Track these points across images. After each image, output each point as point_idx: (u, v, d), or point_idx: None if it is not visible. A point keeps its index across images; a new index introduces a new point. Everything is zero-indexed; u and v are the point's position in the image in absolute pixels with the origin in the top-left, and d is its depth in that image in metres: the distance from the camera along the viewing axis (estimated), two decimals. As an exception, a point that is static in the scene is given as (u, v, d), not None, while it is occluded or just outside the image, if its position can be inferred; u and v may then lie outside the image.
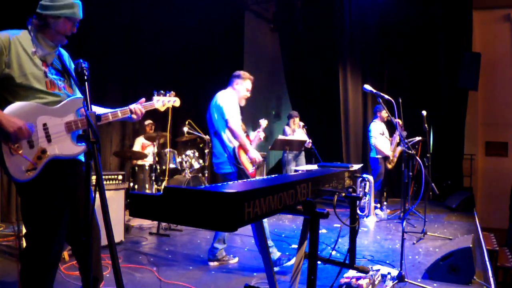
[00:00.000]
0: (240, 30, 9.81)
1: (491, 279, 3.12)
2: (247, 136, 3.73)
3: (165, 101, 2.51)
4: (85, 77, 1.73)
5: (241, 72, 3.68)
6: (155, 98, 2.50)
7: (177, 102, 2.60)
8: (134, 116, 2.23)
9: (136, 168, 5.92)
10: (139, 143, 6.51)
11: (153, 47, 7.15)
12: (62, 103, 1.99)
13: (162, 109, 2.51)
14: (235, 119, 3.40)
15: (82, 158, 2.08)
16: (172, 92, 2.59)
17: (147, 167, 5.80)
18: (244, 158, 3.39)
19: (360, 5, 8.26)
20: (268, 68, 11.21)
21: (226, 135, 3.43)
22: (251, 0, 9.97)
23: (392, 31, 8.22)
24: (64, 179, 2.00)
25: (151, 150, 6.02)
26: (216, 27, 8.60)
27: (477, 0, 7.89)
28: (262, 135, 4.06)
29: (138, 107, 2.24)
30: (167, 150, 5.80)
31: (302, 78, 8.93)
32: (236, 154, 3.38)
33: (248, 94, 3.69)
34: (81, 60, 1.80)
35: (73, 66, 2.17)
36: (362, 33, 8.29)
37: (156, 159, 5.47)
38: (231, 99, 3.50)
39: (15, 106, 1.86)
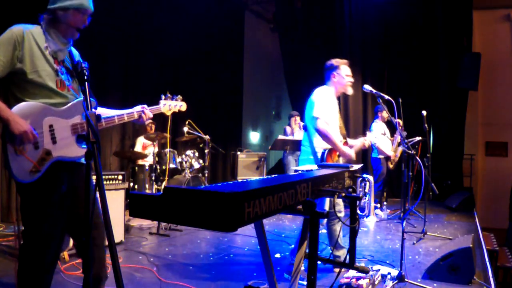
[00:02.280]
0: (240, 30, 9.81)
1: (491, 279, 3.12)
2: (345, 143, 3.40)
3: (171, 106, 2.50)
4: (85, 77, 1.73)
5: (333, 61, 3.34)
6: (162, 102, 2.48)
7: (183, 106, 2.58)
8: (140, 120, 2.23)
9: (136, 168, 5.92)
10: (140, 143, 6.51)
11: (153, 48, 7.16)
12: (69, 104, 1.98)
13: (168, 113, 2.50)
14: (323, 120, 3.14)
15: (83, 160, 2.08)
16: (179, 96, 2.56)
17: (147, 167, 5.80)
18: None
19: (360, 5, 8.27)
20: (268, 68, 11.22)
21: (316, 137, 3.23)
22: (251, 0, 9.97)
23: (392, 31, 8.23)
24: (66, 179, 2.00)
25: (151, 150, 6.02)
26: (216, 27, 8.61)
27: (477, 0, 7.89)
28: (367, 143, 3.61)
29: (145, 112, 2.24)
30: (167, 150, 5.80)
31: (302, 78, 8.93)
32: (325, 159, 3.18)
33: (351, 79, 3.34)
34: (81, 60, 1.81)
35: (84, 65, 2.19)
36: (362, 33, 8.30)
37: (156, 159, 5.47)
38: (325, 97, 3.23)
39: (23, 105, 1.86)
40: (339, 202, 3.22)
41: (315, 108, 3.17)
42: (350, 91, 3.38)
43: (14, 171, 1.81)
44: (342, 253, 3.31)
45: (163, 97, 2.51)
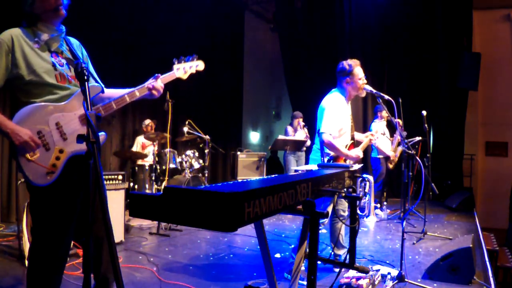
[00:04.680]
0: (240, 30, 9.81)
1: (491, 279, 3.12)
2: (352, 145, 3.37)
3: (186, 68, 2.27)
4: (85, 77, 1.72)
5: (345, 64, 3.24)
6: (175, 66, 2.26)
7: (200, 65, 2.35)
8: (154, 92, 2.11)
9: (136, 168, 5.92)
10: (139, 143, 6.51)
11: (153, 47, 7.15)
12: (73, 96, 1.95)
13: (185, 77, 2.28)
14: (329, 134, 3.12)
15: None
16: (194, 55, 2.33)
17: (147, 167, 5.80)
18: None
19: (360, 5, 8.26)
20: (268, 68, 11.22)
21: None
22: (251, 0, 9.98)
23: (392, 31, 8.22)
24: (79, 175, 1.96)
25: (151, 150, 6.02)
26: (216, 27, 8.60)
27: (477, 0, 7.89)
28: (374, 138, 3.57)
29: (156, 84, 2.10)
30: (167, 150, 5.80)
31: (302, 78, 8.93)
32: (332, 162, 3.20)
33: (365, 81, 3.27)
34: (81, 60, 1.80)
35: (85, 53, 2.15)
36: (362, 33, 8.29)
37: (156, 159, 5.47)
38: (334, 107, 3.19)
39: (23, 112, 1.83)
40: (344, 202, 3.23)
41: (323, 122, 3.17)
42: (363, 94, 3.35)
43: (31, 177, 1.80)
44: (342, 252, 3.31)
45: (175, 61, 2.29)
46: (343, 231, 3.39)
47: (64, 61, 2.00)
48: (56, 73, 1.93)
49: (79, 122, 1.93)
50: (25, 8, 1.94)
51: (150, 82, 2.11)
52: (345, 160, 3.28)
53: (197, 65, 2.34)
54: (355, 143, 3.45)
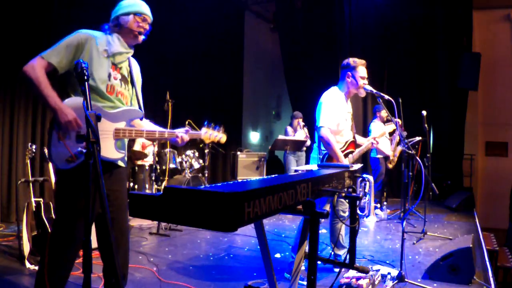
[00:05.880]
0: (240, 30, 9.81)
1: (491, 279, 3.12)
2: (352, 143, 3.37)
3: (212, 136, 2.49)
4: (85, 77, 1.73)
5: (351, 61, 3.27)
6: (204, 129, 2.48)
7: (223, 138, 2.56)
8: (179, 141, 2.28)
9: (136, 168, 5.92)
10: (139, 142, 6.50)
11: (153, 47, 7.13)
12: (119, 109, 2.07)
13: (208, 141, 2.50)
14: (327, 128, 3.15)
15: (122, 164, 2.16)
16: (221, 127, 2.56)
17: (147, 167, 5.80)
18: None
19: (360, 5, 8.26)
20: (268, 68, 11.23)
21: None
22: (251, 0, 9.97)
23: (392, 31, 8.22)
24: (99, 177, 2.02)
25: (151, 150, 6.02)
26: (216, 27, 8.60)
27: (477, 0, 7.89)
28: (376, 144, 3.61)
29: (184, 135, 2.29)
30: (167, 150, 5.80)
31: (302, 78, 8.92)
32: (325, 160, 3.20)
33: (365, 82, 3.28)
34: (81, 60, 1.80)
35: (139, 76, 2.34)
36: (362, 33, 8.29)
37: (156, 159, 5.47)
38: (332, 102, 3.21)
39: (75, 99, 1.95)
40: (344, 203, 3.23)
41: (321, 116, 3.18)
42: (362, 94, 3.35)
43: (53, 156, 1.92)
44: (343, 252, 3.31)
45: (206, 124, 2.50)
46: (343, 231, 3.39)
47: (119, 76, 2.13)
48: (108, 84, 2.06)
49: (113, 134, 2.05)
50: (117, 13, 2.11)
51: (180, 132, 2.29)
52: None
53: (221, 137, 2.54)
54: (356, 145, 3.44)
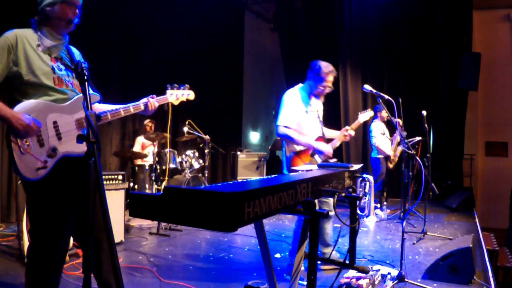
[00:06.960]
0: (240, 30, 9.81)
1: (491, 279, 3.12)
2: (320, 138, 3.30)
3: (178, 95, 2.43)
4: (85, 77, 1.73)
5: (319, 63, 3.26)
6: (169, 91, 2.43)
7: (191, 95, 2.51)
8: (149, 107, 2.21)
9: (136, 168, 5.92)
10: (139, 143, 6.51)
11: (153, 48, 7.15)
12: (72, 100, 2.00)
13: (176, 103, 2.43)
14: (283, 126, 3.13)
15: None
16: (186, 85, 2.50)
17: (147, 167, 5.80)
18: (301, 166, 3.01)
19: (360, 5, 8.26)
20: (268, 68, 11.23)
21: (285, 144, 3.24)
22: (251, 0, 9.97)
23: (392, 31, 8.22)
24: (74, 176, 1.99)
25: (151, 150, 6.02)
26: (216, 27, 8.60)
27: (477, 0, 7.89)
28: (352, 132, 3.42)
29: (151, 101, 2.22)
30: (167, 150, 5.80)
31: (302, 78, 8.92)
32: (290, 163, 3.16)
33: (326, 91, 3.27)
34: (81, 60, 1.81)
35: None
36: (362, 33, 8.29)
37: (156, 159, 5.47)
38: (289, 102, 3.21)
39: (25, 104, 1.89)
40: (329, 202, 3.23)
41: (280, 115, 3.19)
42: (321, 99, 3.40)
43: (21, 169, 1.82)
44: (327, 251, 3.32)
45: (169, 87, 2.45)
46: (330, 230, 3.41)
47: (63, 66, 2.05)
48: (54, 76, 1.98)
49: (76, 126, 1.98)
50: (42, 5, 1.97)
51: (143, 101, 2.22)
52: (312, 155, 3.20)
53: (188, 94, 2.50)
54: (326, 140, 3.38)
